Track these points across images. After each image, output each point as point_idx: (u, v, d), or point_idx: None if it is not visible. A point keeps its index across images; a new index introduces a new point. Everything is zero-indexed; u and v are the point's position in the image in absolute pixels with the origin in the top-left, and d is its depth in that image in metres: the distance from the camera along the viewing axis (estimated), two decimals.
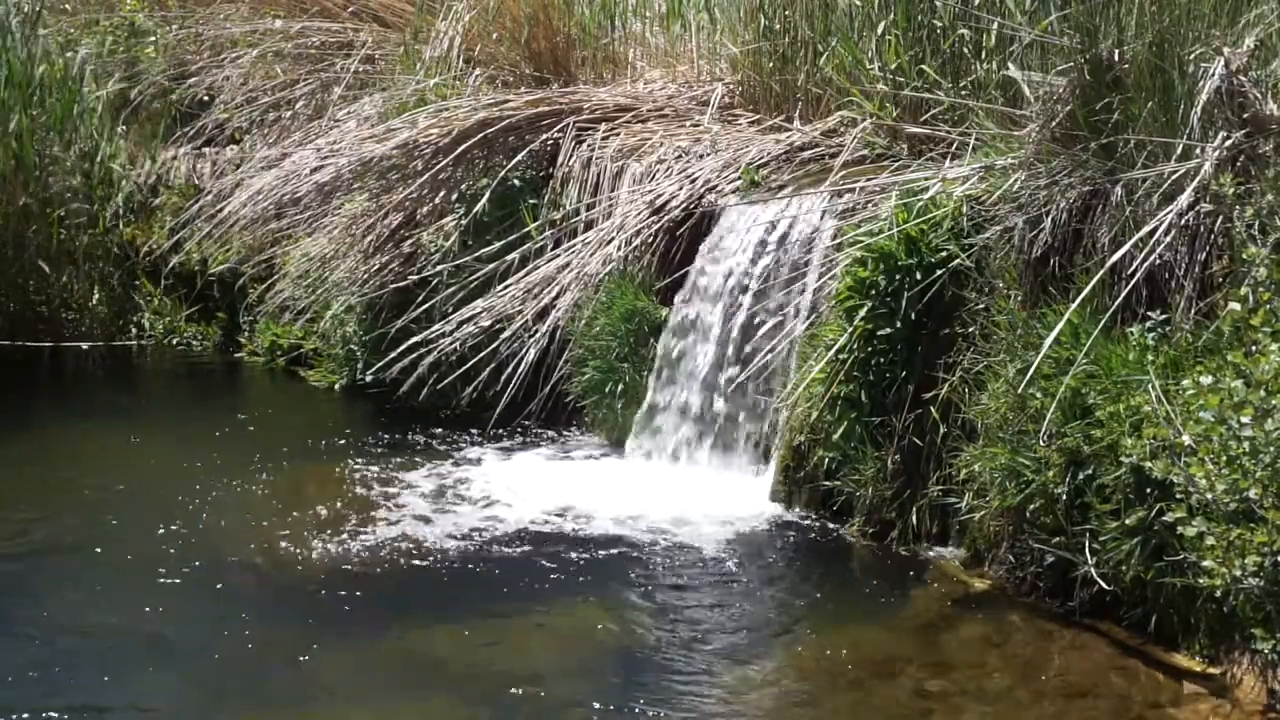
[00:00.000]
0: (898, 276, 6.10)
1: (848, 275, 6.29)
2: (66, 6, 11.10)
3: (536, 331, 7.57)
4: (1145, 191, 5.38)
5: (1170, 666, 5.03)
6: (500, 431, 7.75)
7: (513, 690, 4.94)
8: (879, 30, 7.28)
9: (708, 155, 7.78)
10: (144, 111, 10.53)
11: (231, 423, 8.38)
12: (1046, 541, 5.42)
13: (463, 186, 8.38)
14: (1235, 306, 4.62)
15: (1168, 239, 5.24)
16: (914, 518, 6.12)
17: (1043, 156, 5.70)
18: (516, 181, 8.21)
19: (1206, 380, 4.45)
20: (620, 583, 5.88)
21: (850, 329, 6.20)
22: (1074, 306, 5.31)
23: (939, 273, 6.03)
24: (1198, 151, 5.29)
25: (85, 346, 9.90)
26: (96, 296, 10.00)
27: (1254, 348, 4.49)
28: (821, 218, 6.87)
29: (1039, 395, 5.34)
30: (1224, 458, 4.37)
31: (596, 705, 4.91)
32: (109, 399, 9.08)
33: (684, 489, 6.89)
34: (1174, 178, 5.30)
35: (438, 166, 8.19)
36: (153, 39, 10.71)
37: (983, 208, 6.01)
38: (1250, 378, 4.39)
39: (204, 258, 9.71)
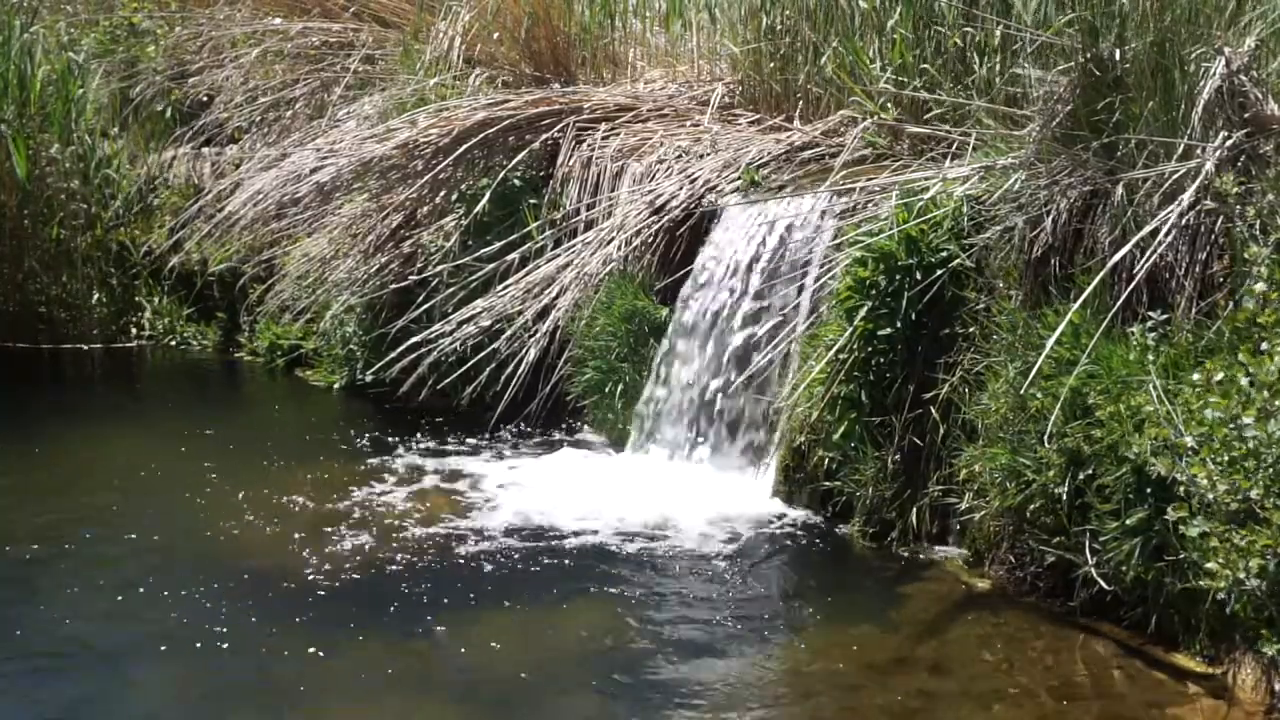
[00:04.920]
0: (898, 276, 6.09)
1: (848, 275, 6.29)
2: (66, 7, 11.09)
3: (536, 331, 7.57)
4: (1146, 191, 5.38)
5: (1171, 667, 5.02)
6: (500, 431, 7.75)
7: (511, 690, 4.94)
8: (884, 30, 7.28)
9: (708, 155, 7.78)
10: (144, 111, 10.52)
11: (231, 423, 8.38)
12: (1047, 541, 5.41)
13: (463, 186, 8.38)
14: (1249, 304, 4.60)
15: (1169, 239, 5.23)
16: (914, 518, 6.12)
17: (1043, 156, 5.69)
18: (516, 181, 8.20)
19: (1218, 377, 4.44)
20: (619, 582, 5.87)
21: (850, 329, 6.20)
22: (1075, 307, 5.30)
23: (939, 273, 6.03)
24: (1199, 151, 5.29)
25: (85, 347, 9.89)
26: (96, 297, 10.00)
27: (1262, 346, 4.47)
28: (822, 217, 6.86)
29: (1039, 395, 5.33)
30: (1226, 458, 4.37)
31: (595, 705, 4.91)
32: (109, 399, 9.07)
33: (684, 488, 6.89)
34: (1175, 177, 5.29)
35: (438, 166, 8.18)
36: (152, 39, 10.71)
37: (983, 207, 6.00)
38: (1256, 378, 4.38)
39: (204, 258, 9.72)
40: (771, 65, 8.20)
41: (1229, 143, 5.23)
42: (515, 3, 9.04)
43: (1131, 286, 5.29)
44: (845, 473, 6.35)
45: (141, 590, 5.71)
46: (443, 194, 8.42)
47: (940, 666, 5.14)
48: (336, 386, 8.79)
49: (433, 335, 7.66)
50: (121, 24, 10.88)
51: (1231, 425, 4.37)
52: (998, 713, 4.81)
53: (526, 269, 7.83)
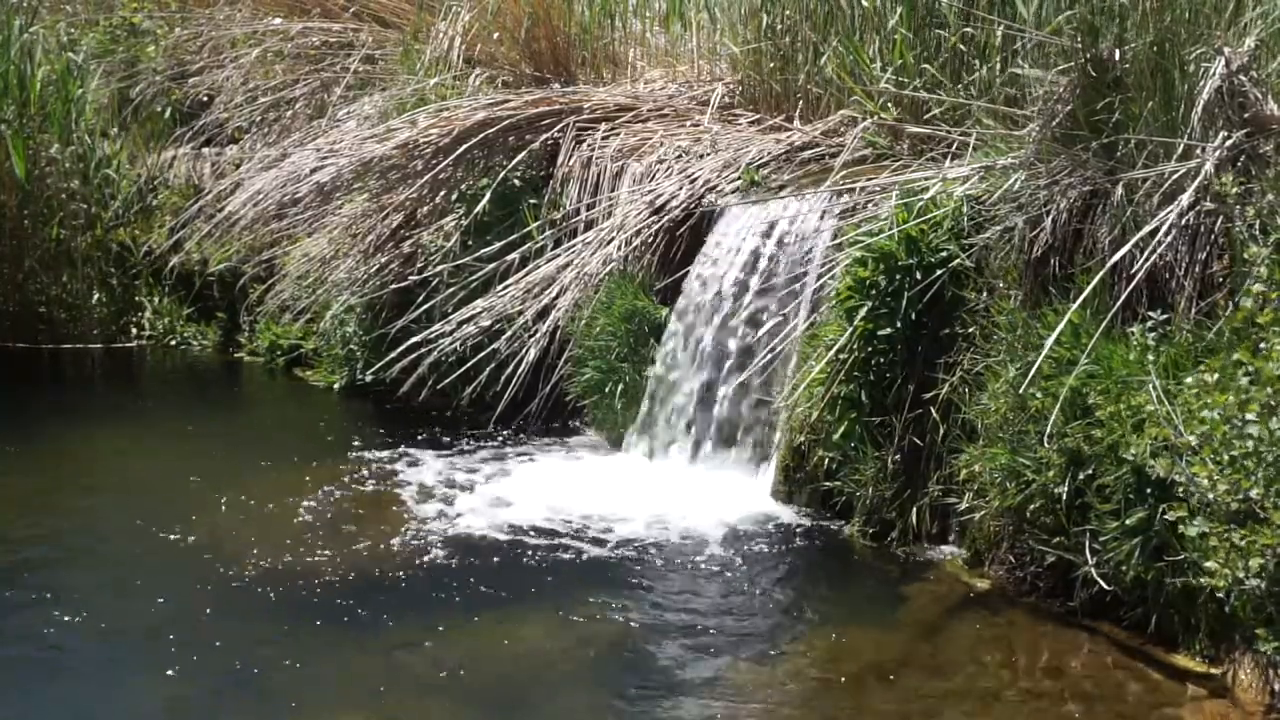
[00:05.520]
0: (898, 276, 6.09)
1: (848, 275, 6.29)
2: (66, 7, 11.09)
3: (536, 331, 7.57)
4: (1146, 191, 5.38)
5: (1171, 667, 5.03)
6: (500, 431, 7.75)
7: (512, 691, 4.94)
8: (884, 30, 7.28)
9: (708, 155, 7.78)
10: (144, 111, 10.52)
11: (231, 423, 8.39)
12: (1047, 542, 5.41)
13: (463, 186, 8.38)
14: (1247, 303, 4.60)
15: (1168, 239, 5.23)
16: (914, 518, 6.12)
17: (1043, 156, 5.70)
18: (516, 181, 8.21)
19: (1213, 378, 4.43)
20: (619, 582, 5.87)
21: (850, 329, 6.20)
22: (1075, 306, 5.30)
23: (939, 273, 6.03)
24: (1198, 151, 5.29)
25: (85, 347, 9.89)
26: (96, 297, 10.00)
27: (1261, 345, 4.47)
28: (822, 217, 6.86)
29: (1039, 395, 5.33)
30: (1226, 457, 4.37)
31: (595, 705, 4.90)
32: (109, 399, 9.07)
33: (684, 488, 6.88)
34: (1175, 177, 5.30)
35: (438, 166, 8.18)
36: (152, 39, 10.71)
37: (983, 208, 6.00)
38: (1257, 375, 4.37)
39: (204, 258, 9.72)
40: (771, 65, 8.20)
41: (1229, 143, 5.23)
42: (515, 3, 9.05)
43: (1131, 286, 5.29)
44: (845, 473, 6.35)
45: (140, 589, 5.71)
46: (443, 194, 8.42)
47: (940, 666, 5.14)
48: (336, 386, 8.79)
49: (433, 335, 7.66)
50: (121, 24, 10.88)
51: (1232, 423, 4.36)
52: (998, 713, 4.81)
53: (526, 269, 7.83)
